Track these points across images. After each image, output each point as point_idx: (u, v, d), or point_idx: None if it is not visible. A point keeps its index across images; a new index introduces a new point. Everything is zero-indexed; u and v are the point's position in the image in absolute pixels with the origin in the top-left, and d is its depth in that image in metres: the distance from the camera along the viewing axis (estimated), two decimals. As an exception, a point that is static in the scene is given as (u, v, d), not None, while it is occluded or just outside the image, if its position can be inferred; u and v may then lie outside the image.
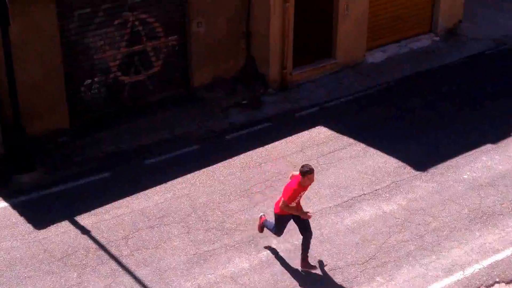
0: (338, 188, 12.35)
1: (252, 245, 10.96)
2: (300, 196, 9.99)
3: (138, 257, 10.67)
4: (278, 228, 10.42)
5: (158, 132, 14.07)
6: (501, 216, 11.59)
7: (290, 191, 9.85)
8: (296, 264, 10.46)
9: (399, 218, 11.56)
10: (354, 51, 16.79)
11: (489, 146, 13.51)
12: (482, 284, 10.27)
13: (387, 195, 12.18)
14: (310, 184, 9.93)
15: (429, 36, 18.26)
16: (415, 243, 11.02)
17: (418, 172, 12.77)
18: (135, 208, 11.75)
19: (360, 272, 10.44)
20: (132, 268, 10.44)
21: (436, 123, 14.41)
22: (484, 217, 11.59)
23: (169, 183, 12.43)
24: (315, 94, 15.71)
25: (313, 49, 16.35)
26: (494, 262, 10.67)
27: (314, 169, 9.97)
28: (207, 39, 15.15)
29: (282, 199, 9.96)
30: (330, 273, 10.39)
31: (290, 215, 10.16)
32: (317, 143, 13.73)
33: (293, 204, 9.91)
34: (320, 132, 14.11)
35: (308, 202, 11.77)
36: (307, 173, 9.76)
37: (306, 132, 14.12)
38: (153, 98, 14.89)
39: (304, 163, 10.28)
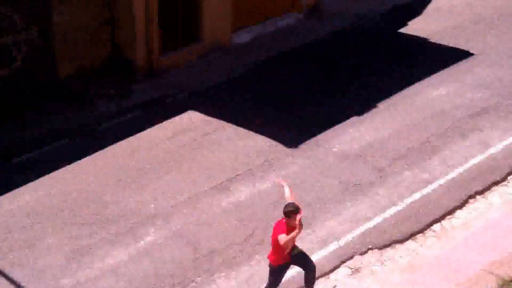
0: (212, 171, 12.42)
1: (129, 235, 10.85)
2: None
3: (13, 258, 10.32)
4: (276, 280, 9.40)
5: (25, 129, 13.60)
6: (370, 185, 12.06)
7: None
8: (177, 250, 10.48)
9: (274, 195, 11.78)
10: (220, 33, 16.83)
11: (355, 118, 13.98)
12: (356, 252, 10.67)
13: (261, 174, 12.38)
14: (298, 224, 8.57)
15: (293, 14, 18.57)
16: (291, 219, 11.28)
17: (289, 149, 13.05)
18: (5, 209, 11.33)
19: (239, 251, 10.58)
20: (7, 270, 10.08)
21: (304, 100, 14.75)
22: (355, 187, 12.01)
23: (40, 180, 12.06)
24: (184, 79, 15.67)
25: (181, 33, 16.25)
26: (366, 230, 11.10)
27: (298, 207, 8.86)
28: (70, 29, 14.73)
29: (280, 242, 8.74)
30: (209, 256, 10.46)
31: (289, 261, 9.21)
32: (189, 128, 13.73)
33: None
34: (192, 117, 14.11)
35: (184, 187, 11.79)
36: (291, 212, 8.69)
37: (177, 117, 14.07)
38: (17, 94, 14.35)
39: (286, 204, 8.97)
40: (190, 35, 16.43)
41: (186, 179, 12.03)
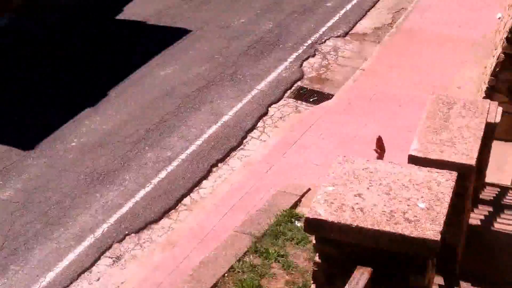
0: None
1: None
2: None
3: None
4: None
5: None
6: (116, 172, 12.08)
7: None
8: None
9: (18, 202, 11.31)
10: None
11: (89, 110, 13.82)
12: (113, 241, 10.67)
13: (0, 182, 11.79)
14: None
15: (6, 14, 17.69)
16: (41, 221, 10.94)
17: (26, 152, 12.56)
18: None
19: (-8, 266, 10.05)
20: None
21: (29, 97, 14.20)
22: (101, 178, 11.95)
23: None
24: None
25: None
26: (120, 216, 11.14)
27: None
28: None
29: None
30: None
31: None
32: None
33: None
34: None
35: None
36: None
37: None
38: None
39: None
40: None
41: None
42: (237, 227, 10.56)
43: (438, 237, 3.80)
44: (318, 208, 4.01)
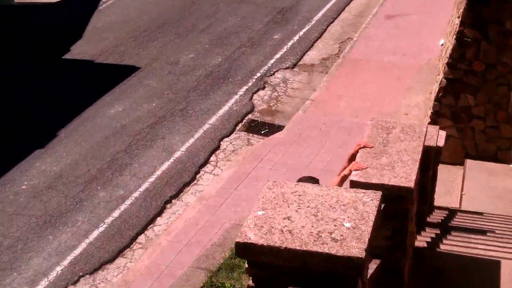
0: None
1: None
2: None
3: None
4: None
5: None
6: (68, 214, 11.95)
7: None
8: None
9: (-32, 249, 11.09)
10: None
11: (38, 151, 13.69)
12: (68, 283, 10.52)
13: (-51, 229, 11.57)
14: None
15: None
16: (-7, 267, 10.75)
17: (-25, 197, 12.37)
18: None
19: None
20: None
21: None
22: (53, 220, 11.80)
23: None
24: None
25: None
26: (73, 258, 10.99)
27: None
28: None
29: None
30: None
31: None
32: None
33: None
34: None
35: None
36: None
37: None
38: None
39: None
40: None
41: None
42: (192, 263, 10.53)
43: (363, 255, 3.94)
44: (248, 232, 4.12)
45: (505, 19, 11.75)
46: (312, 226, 4.13)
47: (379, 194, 4.44)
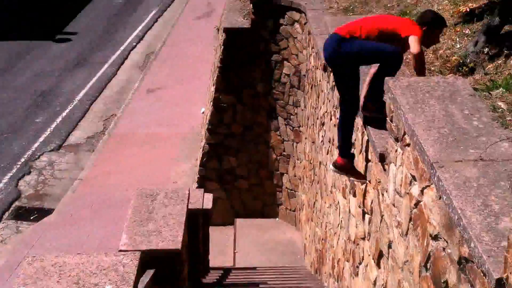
0: None
1: None
2: None
3: None
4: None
5: None
6: None
7: (414, 27, 5.59)
8: None
9: None
10: None
11: None
12: None
13: None
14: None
15: None
16: None
17: None
18: None
19: None
20: None
21: None
22: None
23: None
24: None
25: None
26: None
27: None
28: None
29: (406, 34, 5.54)
30: None
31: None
32: None
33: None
34: None
35: None
36: (440, 24, 5.80)
37: None
38: None
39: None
40: None
41: None
42: None
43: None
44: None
45: (256, 83, 12.61)
46: (74, 294, 4.18)
47: (138, 254, 4.58)
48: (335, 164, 6.26)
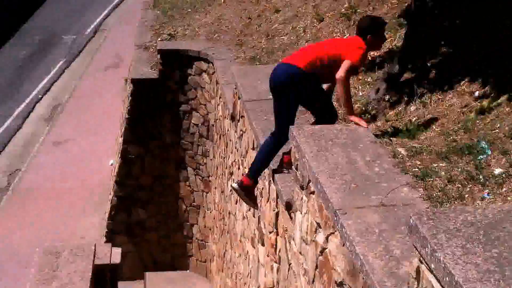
0: None
1: None
2: None
3: None
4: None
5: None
6: None
7: (356, 51, 5.74)
8: None
9: None
10: None
11: None
12: None
13: None
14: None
15: None
16: None
17: None
18: None
19: None
20: None
21: None
22: None
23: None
24: None
25: None
26: None
27: None
28: None
29: (346, 58, 5.71)
30: None
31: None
32: None
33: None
34: None
35: None
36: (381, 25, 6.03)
37: None
38: None
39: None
40: None
41: None
42: None
43: None
44: None
45: (164, 134, 12.51)
46: None
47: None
48: (240, 183, 6.26)
